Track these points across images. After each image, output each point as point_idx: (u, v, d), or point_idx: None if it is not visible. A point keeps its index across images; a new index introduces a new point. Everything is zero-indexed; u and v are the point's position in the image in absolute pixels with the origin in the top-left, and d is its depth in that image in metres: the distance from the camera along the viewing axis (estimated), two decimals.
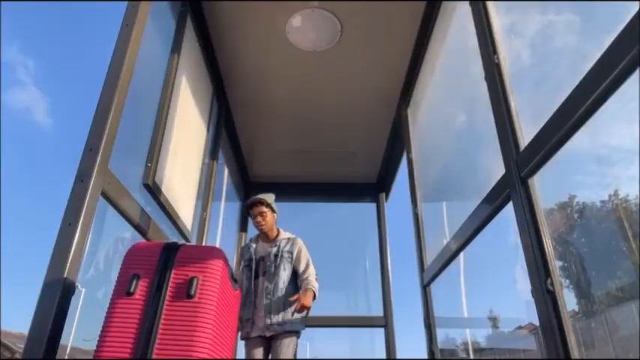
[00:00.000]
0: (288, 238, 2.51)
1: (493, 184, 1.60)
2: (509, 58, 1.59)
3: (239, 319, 2.23)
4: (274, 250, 2.43)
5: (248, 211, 2.52)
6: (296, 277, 2.44)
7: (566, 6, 1.36)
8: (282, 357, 2.19)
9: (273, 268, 2.36)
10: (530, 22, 1.58)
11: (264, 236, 2.52)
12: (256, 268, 2.40)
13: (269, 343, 2.29)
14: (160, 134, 1.98)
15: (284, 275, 2.37)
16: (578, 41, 1.28)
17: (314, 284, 2.37)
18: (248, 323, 2.29)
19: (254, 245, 2.51)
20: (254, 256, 2.45)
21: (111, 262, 1.68)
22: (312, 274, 2.43)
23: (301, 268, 2.44)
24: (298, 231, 2.60)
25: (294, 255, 2.46)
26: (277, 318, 2.26)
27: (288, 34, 2.66)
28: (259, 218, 2.46)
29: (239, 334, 2.32)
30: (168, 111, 2.07)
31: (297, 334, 2.31)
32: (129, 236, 1.77)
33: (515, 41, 1.64)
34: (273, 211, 2.55)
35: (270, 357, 2.27)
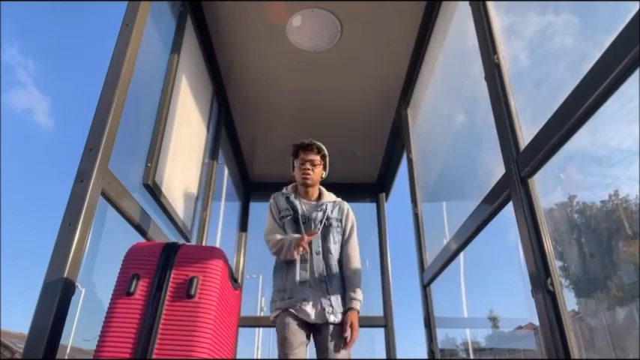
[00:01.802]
0: (334, 202, 2.05)
1: (493, 184, 1.60)
2: (509, 58, 1.59)
3: (276, 287, 1.90)
4: (319, 214, 1.96)
5: (297, 152, 2.07)
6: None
7: (566, 6, 1.36)
8: (339, 357, 1.75)
9: (320, 240, 1.92)
10: (530, 22, 1.58)
11: (303, 193, 2.05)
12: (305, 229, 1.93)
13: (312, 331, 1.84)
14: (160, 134, 1.98)
15: (334, 250, 1.93)
16: (578, 42, 1.28)
17: (359, 295, 1.87)
18: (286, 297, 1.83)
19: (292, 197, 2.02)
20: (300, 211, 1.96)
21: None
22: (357, 272, 1.93)
23: (347, 253, 1.94)
24: None
25: (343, 224, 2.00)
26: (334, 305, 1.81)
27: (288, 34, 2.66)
28: (308, 166, 2.00)
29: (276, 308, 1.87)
30: (168, 111, 2.07)
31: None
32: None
33: (515, 42, 1.64)
34: (325, 167, 2.09)
35: (317, 353, 1.81)
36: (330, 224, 1.97)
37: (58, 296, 1.18)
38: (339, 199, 2.09)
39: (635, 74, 0.93)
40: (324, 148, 2.08)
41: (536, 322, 1.24)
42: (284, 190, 2.09)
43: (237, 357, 2.86)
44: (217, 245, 3.20)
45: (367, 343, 4.03)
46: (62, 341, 1.20)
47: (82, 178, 1.35)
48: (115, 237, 1.75)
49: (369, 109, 3.32)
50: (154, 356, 1.19)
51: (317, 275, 1.86)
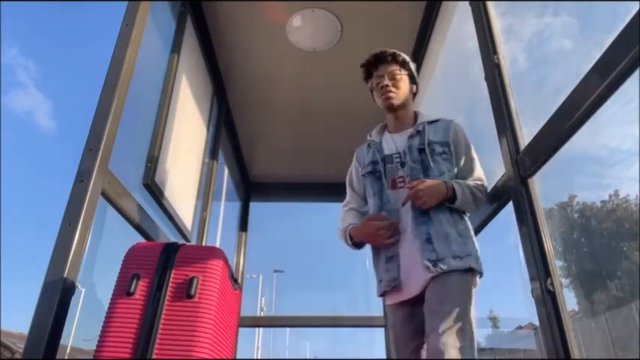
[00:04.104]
0: (437, 121, 1.53)
1: (493, 184, 1.60)
2: (509, 58, 1.59)
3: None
4: (416, 141, 1.45)
5: (368, 70, 1.62)
6: None
7: (565, 7, 1.36)
8: (445, 304, 1.22)
9: (421, 174, 1.40)
10: (528, 24, 1.58)
11: (393, 124, 1.57)
12: (386, 176, 1.45)
13: (421, 302, 1.31)
14: (160, 134, 1.98)
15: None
16: (577, 42, 1.28)
17: (466, 189, 1.37)
18: (386, 276, 1.39)
19: (377, 140, 1.56)
20: (379, 155, 1.49)
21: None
22: (478, 177, 1.46)
23: (463, 168, 1.46)
24: (298, 231, 2.54)
25: (452, 147, 1.46)
26: (443, 253, 1.29)
27: (288, 34, 2.66)
28: (387, 82, 1.51)
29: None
30: (168, 111, 2.07)
31: (472, 272, 1.30)
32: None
33: (514, 42, 1.64)
34: (412, 79, 1.60)
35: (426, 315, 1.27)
36: (434, 150, 1.42)
37: (58, 296, 1.18)
38: (444, 118, 1.54)
39: (635, 74, 0.93)
40: (401, 53, 1.60)
41: (536, 322, 1.24)
42: (369, 136, 1.61)
43: (237, 357, 2.86)
44: (217, 245, 3.20)
45: (367, 343, 4.04)
46: (62, 341, 1.20)
47: (82, 178, 1.35)
48: (115, 237, 1.75)
49: (369, 108, 3.31)
50: (153, 356, 1.19)
51: (417, 230, 1.35)
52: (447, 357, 1.13)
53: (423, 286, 1.30)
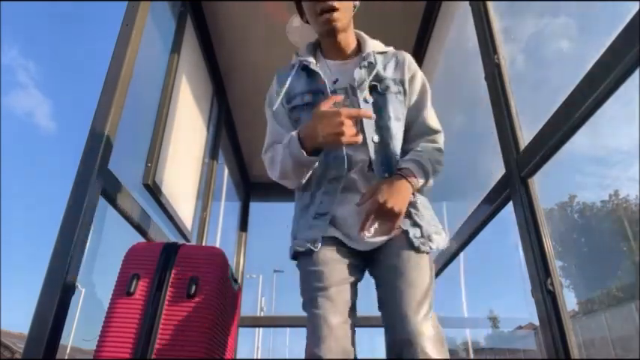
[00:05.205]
0: (386, 52, 1.28)
1: (493, 184, 1.60)
2: (509, 58, 1.59)
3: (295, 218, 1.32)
4: (363, 73, 1.18)
5: None
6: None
7: (565, 7, 1.36)
8: (414, 285, 1.04)
9: (373, 114, 1.15)
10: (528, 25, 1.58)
11: (331, 49, 1.27)
12: None
13: (368, 262, 1.22)
14: (160, 134, 1.98)
15: (397, 129, 1.18)
16: (577, 42, 1.28)
17: (426, 166, 1.14)
18: (305, 234, 1.18)
19: (312, 60, 1.23)
20: (327, 83, 1.18)
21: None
22: (436, 141, 1.21)
23: (418, 118, 1.20)
24: None
25: (407, 85, 1.22)
26: (428, 228, 1.13)
27: (288, 34, 2.65)
28: (333, 4, 1.16)
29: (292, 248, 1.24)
30: (168, 111, 2.07)
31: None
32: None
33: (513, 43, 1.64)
34: None
35: (378, 290, 1.19)
36: (388, 87, 1.17)
37: (58, 296, 1.18)
38: (392, 49, 1.29)
39: (635, 74, 0.93)
40: None
41: (536, 322, 1.24)
42: (294, 59, 1.30)
43: (237, 357, 2.86)
44: (217, 245, 3.20)
45: (367, 343, 4.03)
46: (62, 341, 1.20)
47: (82, 178, 1.35)
48: (115, 237, 1.75)
49: None
50: (153, 356, 1.19)
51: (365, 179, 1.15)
52: (424, 342, 0.99)
53: (374, 246, 1.13)
